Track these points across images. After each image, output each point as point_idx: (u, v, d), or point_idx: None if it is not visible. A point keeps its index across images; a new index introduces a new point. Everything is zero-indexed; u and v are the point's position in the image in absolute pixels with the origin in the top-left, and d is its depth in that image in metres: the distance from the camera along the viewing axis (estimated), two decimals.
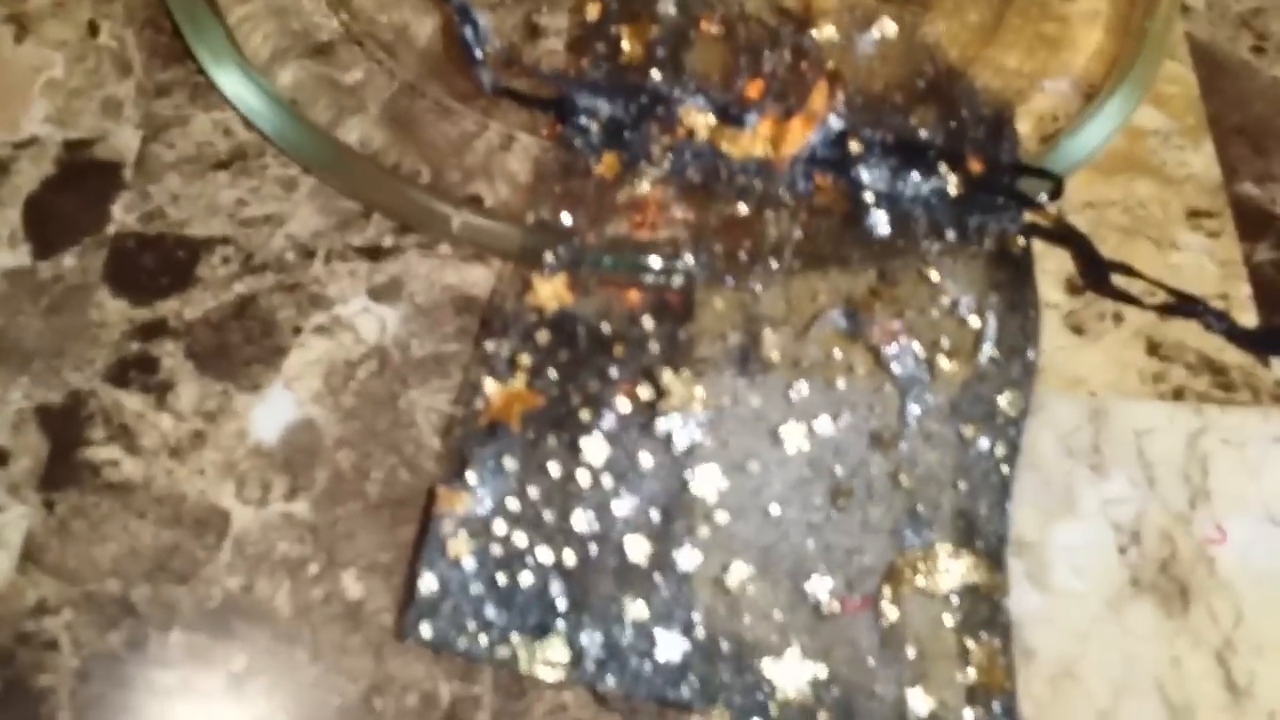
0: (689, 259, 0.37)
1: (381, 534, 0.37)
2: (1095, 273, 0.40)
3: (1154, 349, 0.43)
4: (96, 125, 0.44)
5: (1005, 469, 0.37)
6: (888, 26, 0.39)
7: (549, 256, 0.36)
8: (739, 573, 0.34)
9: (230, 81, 0.43)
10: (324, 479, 0.38)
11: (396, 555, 0.37)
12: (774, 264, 0.37)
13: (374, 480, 0.38)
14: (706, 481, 0.34)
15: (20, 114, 0.45)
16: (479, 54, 0.37)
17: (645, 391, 0.35)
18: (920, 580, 0.35)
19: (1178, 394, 0.42)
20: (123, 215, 0.43)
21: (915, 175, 0.37)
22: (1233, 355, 0.43)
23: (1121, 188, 0.46)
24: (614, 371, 0.35)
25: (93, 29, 0.47)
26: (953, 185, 0.38)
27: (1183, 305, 0.41)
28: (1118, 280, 0.41)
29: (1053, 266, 0.43)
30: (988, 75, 0.47)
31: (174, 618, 0.36)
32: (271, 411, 0.39)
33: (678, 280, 0.37)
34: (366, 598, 0.36)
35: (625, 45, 0.39)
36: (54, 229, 0.42)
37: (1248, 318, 0.43)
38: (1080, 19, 0.50)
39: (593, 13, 0.40)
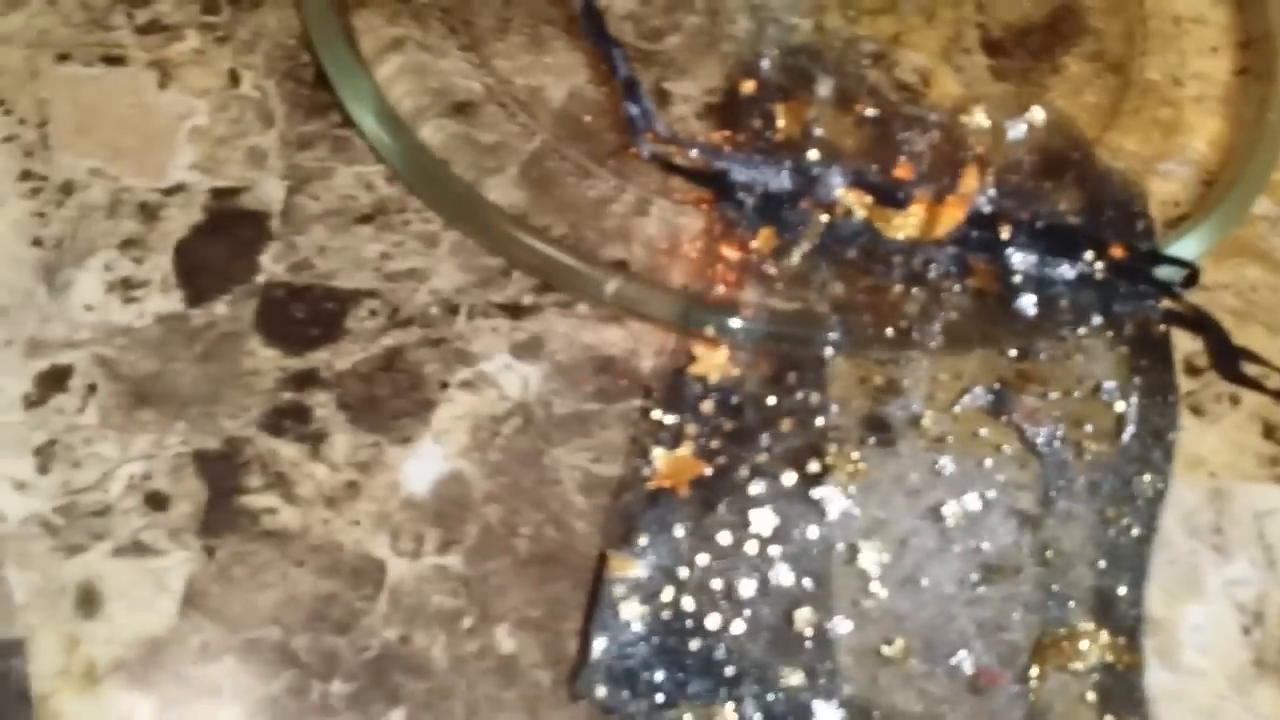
0: (839, 332, 0.38)
1: (531, 590, 0.38)
2: (1226, 360, 0.41)
3: (1269, 432, 0.44)
4: (242, 174, 0.45)
5: (1143, 549, 0.38)
6: (1037, 115, 0.40)
7: (710, 328, 0.37)
8: (895, 646, 0.35)
9: (377, 133, 0.44)
10: (474, 533, 0.39)
11: (547, 611, 0.38)
12: (923, 340, 0.38)
13: (522, 536, 0.39)
14: (868, 555, 0.35)
15: (167, 161, 0.46)
16: (642, 129, 0.38)
17: (811, 465, 0.36)
18: (1062, 658, 0.36)
19: None
20: (272, 265, 0.43)
21: (1062, 260, 0.39)
22: None
23: (1232, 272, 0.47)
24: (778, 443, 0.36)
25: (234, 78, 0.48)
26: (1098, 270, 0.39)
27: None
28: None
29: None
30: (1107, 158, 0.48)
31: (334, 667, 0.36)
32: (422, 464, 0.40)
33: (829, 351, 0.38)
34: (520, 653, 0.37)
35: (781, 122, 0.40)
36: (205, 276, 0.43)
37: None
38: (1191, 104, 0.52)
39: (748, 88, 0.41)
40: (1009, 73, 0.52)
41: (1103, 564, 0.38)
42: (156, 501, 0.38)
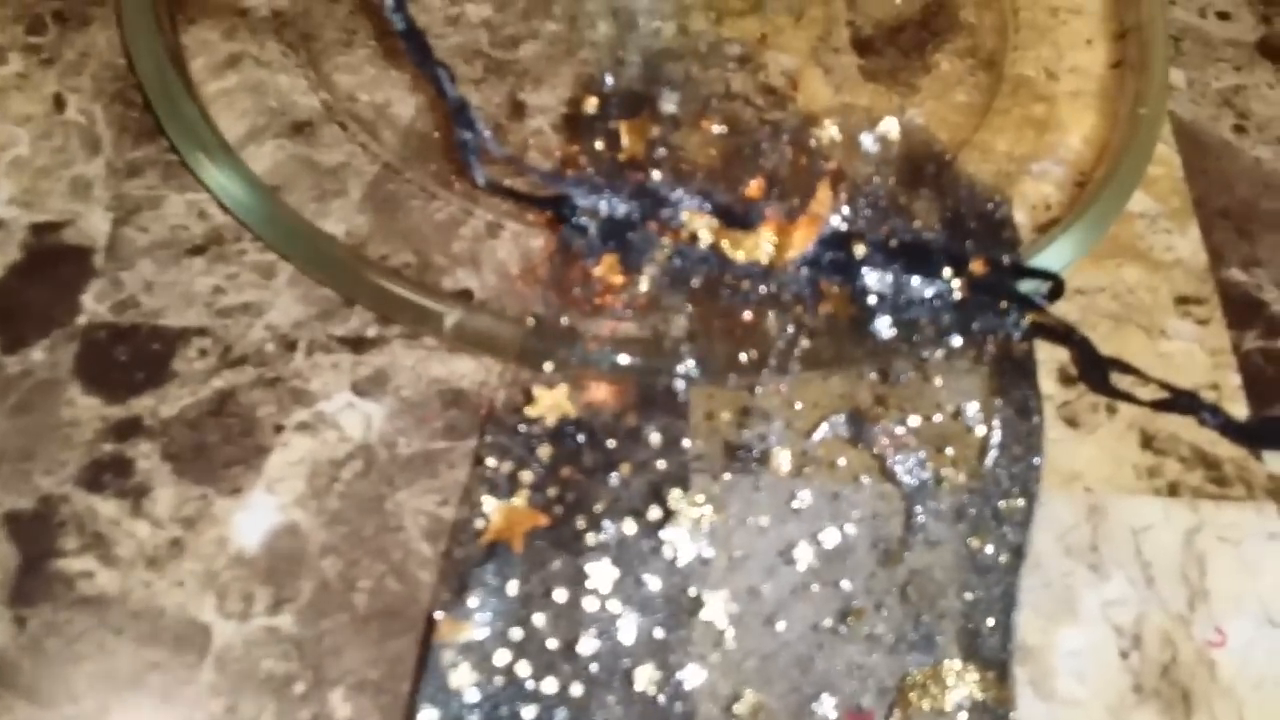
0: (690, 361, 0.36)
1: (370, 649, 0.36)
2: (1095, 373, 0.39)
3: (1148, 442, 0.42)
4: (65, 207, 0.43)
5: (1011, 578, 0.36)
6: (891, 126, 0.38)
7: (548, 365, 0.35)
8: (748, 700, 0.33)
9: (203, 165, 0.42)
10: (309, 590, 0.37)
11: (386, 671, 0.36)
12: (777, 367, 0.36)
13: (361, 590, 0.37)
14: (715, 606, 0.33)
15: None
16: (474, 153, 0.36)
17: (652, 511, 0.34)
18: (927, 698, 0.35)
19: (1173, 489, 0.41)
20: (94, 304, 0.41)
21: (919, 279, 0.37)
22: (1226, 448, 0.42)
23: (1110, 273, 0.46)
24: (619, 488, 0.34)
25: (59, 103, 0.45)
26: (956, 288, 0.37)
27: (1177, 400, 0.41)
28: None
29: (1045, 357, 0.43)
30: (977, 159, 0.47)
31: None
32: (253, 516, 0.38)
33: (679, 383, 0.36)
34: (355, 718, 0.35)
35: (624, 141, 0.38)
36: (21, 320, 0.40)
37: (1238, 408, 0.43)
38: (1066, 99, 0.50)
39: (590, 106, 0.39)
40: (879, 72, 0.50)
41: (969, 595, 0.36)
42: None
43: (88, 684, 0.35)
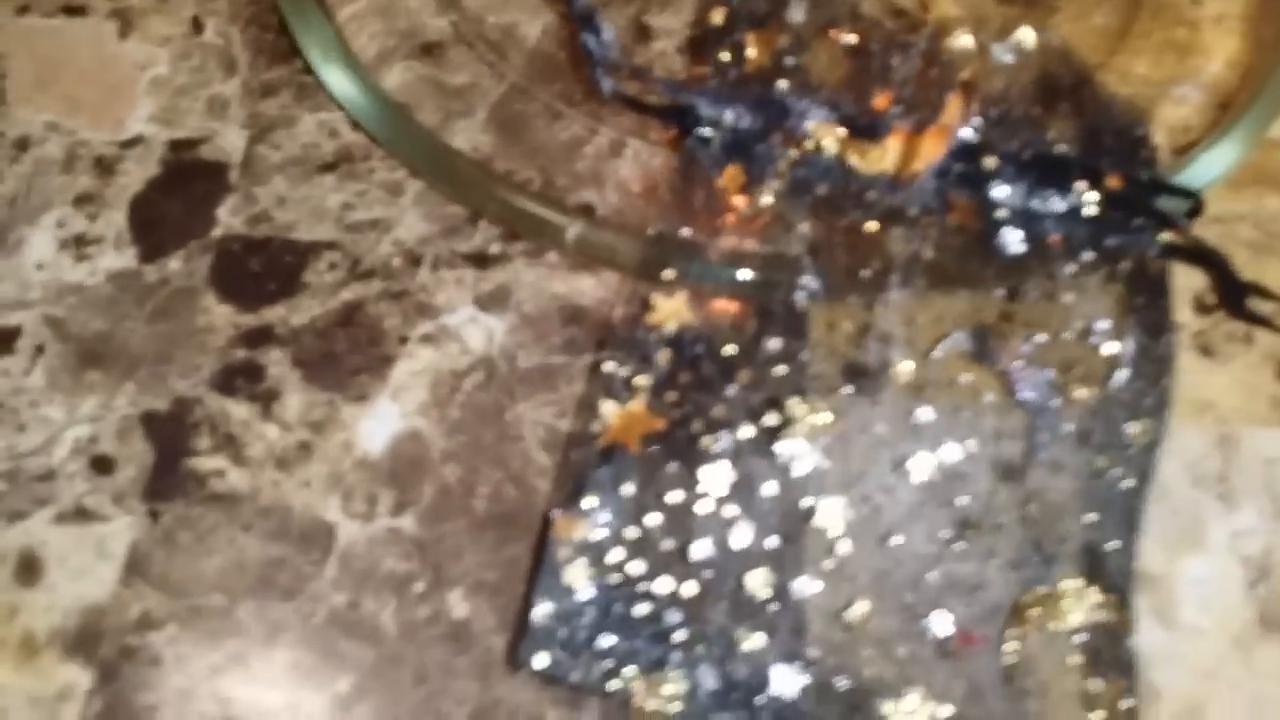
0: (812, 275, 0.36)
1: (488, 552, 0.37)
2: (1233, 296, 0.38)
3: None
4: (202, 125, 0.44)
5: (1135, 502, 0.35)
6: (1026, 35, 0.37)
7: (668, 273, 0.35)
8: (859, 608, 0.33)
9: (338, 81, 0.43)
10: (430, 494, 0.37)
11: (503, 574, 0.36)
12: (900, 281, 0.36)
13: (480, 496, 0.37)
14: (830, 512, 0.33)
15: (125, 113, 0.44)
16: (599, 61, 0.36)
17: (770, 418, 0.34)
18: (1045, 618, 0.34)
19: None
20: (229, 218, 0.42)
21: (1051, 192, 0.36)
22: None
23: (1251, 202, 0.44)
24: (736, 395, 0.34)
25: (197, 25, 0.46)
26: (1090, 203, 0.36)
27: None
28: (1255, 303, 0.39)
29: (1181, 284, 0.41)
30: (1115, 83, 0.45)
31: (279, 635, 0.35)
32: (378, 423, 0.38)
33: (800, 296, 0.36)
34: (473, 618, 0.35)
35: (750, 53, 0.37)
36: (160, 231, 0.42)
37: None
38: (1209, 24, 0.48)
39: (717, 18, 0.38)
40: None
41: (1091, 517, 0.35)
42: (102, 465, 0.37)
43: (217, 576, 0.36)
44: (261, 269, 0.41)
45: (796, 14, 0.38)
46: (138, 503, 0.37)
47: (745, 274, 0.37)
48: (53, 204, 0.42)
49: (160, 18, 0.46)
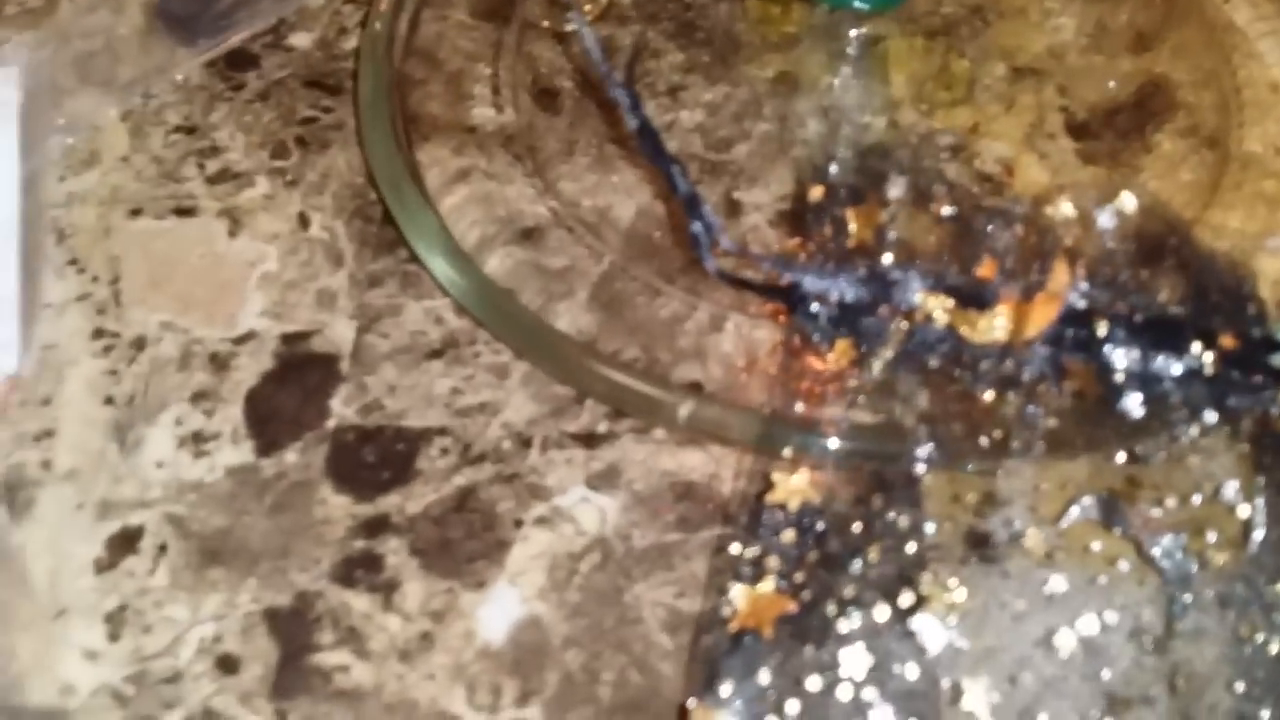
0: (930, 446, 0.36)
1: None
2: None
3: None
4: (312, 318, 0.45)
5: None
6: (1128, 200, 0.37)
7: (787, 451, 0.35)
8: None
9: (441, 269, 0.43)
10: (554, 681, 0.37)
11: None
12: (1021, 448, 0.36)
13: (604, 683, 0.37)
14: (975, 693, 0.32)
15: (237, 309, 0.45)
16: (707, 246, 0.37)
17: (904, 597, 0.33)
18: None
19: None
20: (342, 408, 0.43)
21: (1167, 354, 0.36)
22: None
23: None
24: (869, 572, 0.34)
25: (303, 221, 0.48)
26: (1208, 364, 0.36)
27: None
28: None
29: None
30: (1209, 238, 0.45)
31: None
32: (498, 610, 0.38)
33: (919, 468, 0.36)
34: None
35: (852, 227, 0.38)
36: (275, 424, 0.42)
37: None
38: None
39: (816, 194, 0.39)
40: (1098, 155, 0.50)
41: (1241, 686, 0.34)
42: (227, 665, 0.37)
43: None
44: (376, 458, 0.42)
45: (896, 189, 0.38)
46: (265, 702, 0.36)
47: (862, 444, 0.37)
48: (170, 402, 0.43)
49: (268, 215, 0.48)
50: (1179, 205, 0.47)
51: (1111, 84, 0.51)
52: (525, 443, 0.42)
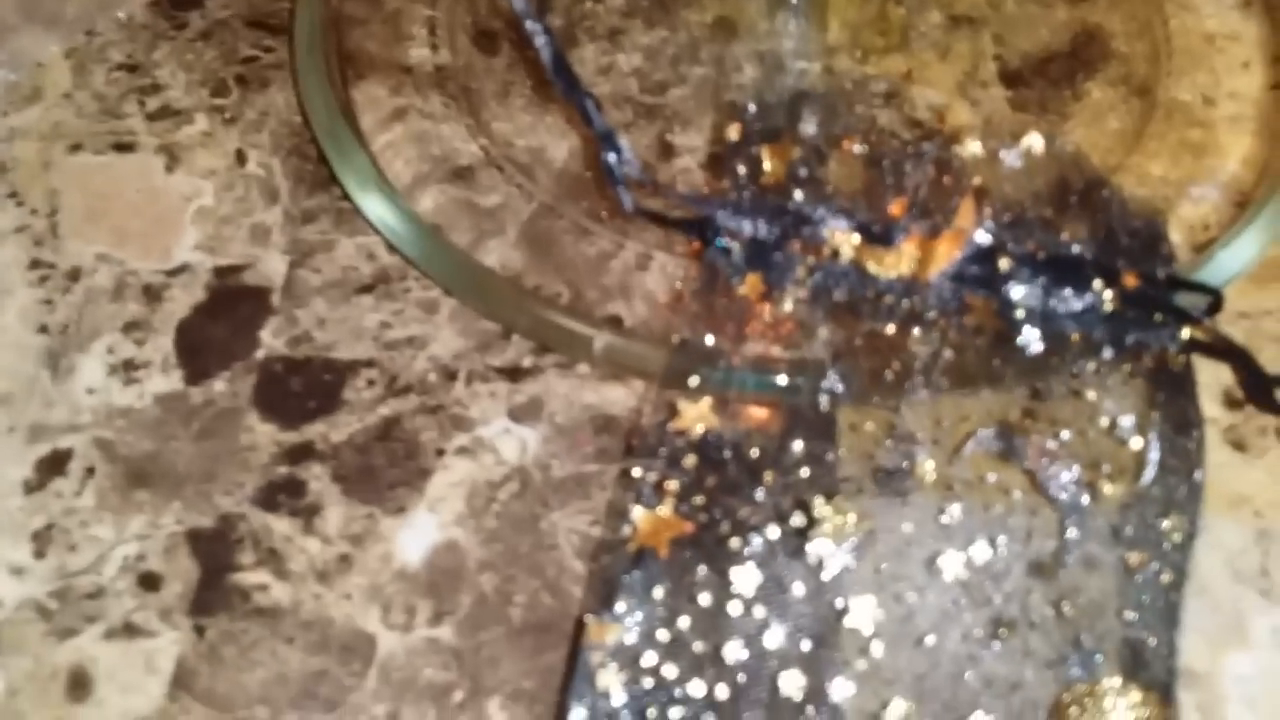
0: (834, 378, 0.37)
1: (525, 660, 0.37)
2: (1259, 389, 0.38)
3: None
4: (245, 252, 0.46)
5: (1174, 598, 0.35)
6: (1035, 141, 0.38)
7: (694, 379, 0.36)
8: (897, 709, 0.33)
9: (374, 206, 0.44)
10: (468, 603, 0.38)
11: (540, 682, 0.37)
12: (923, 382, 0.36)
13: (517, 604, 0.38)
14: (861, 612, 0.33)
15: (172, 242, 0.46)
16: (621, 179, 0.37)
17: (796, 518, 0.34)
18: (1086, 716, 0.34)
19: None
20: (271, 339, 0.43)
21: (1068, 291, 0.37)
22: None
23: (1276, 296, 0.45)
24: (763, 497, 0.35)
25: (240, 158, 0.48)
26: (1108, 301, 0.37)
27: None
28: None
29: (1209, 379, 0.42)
30: (1132, 184, 0.46)
31: None
32: (416, 534, 0.39)
33: (823, 400, 0.37)
34: None
35: (767, 165, 0.39)
36: (205, 354, 0.43)
37: None
38: (1225, 124, 0.49)
39: (734, 133, 0.40)
40: (1028, 103, 0.50)
41: (1129, 614, 0.35)
42: (149, 582, 0.38)
43: (261, 689, 0.36)
44: (302, 388, 0.42)
45: (808, 127, 0.39)
46: (184, 618, 0.37)
47: (770, 379, 0.38)
48: (103, 331, 0.43)
49: (206, 152, 0.49)
50: (1105, 151, 0.48)
51: (1045, 33, 0.52)
52: (451, 376, 0.43)
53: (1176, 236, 0.44)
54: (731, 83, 0.51)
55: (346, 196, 0.46)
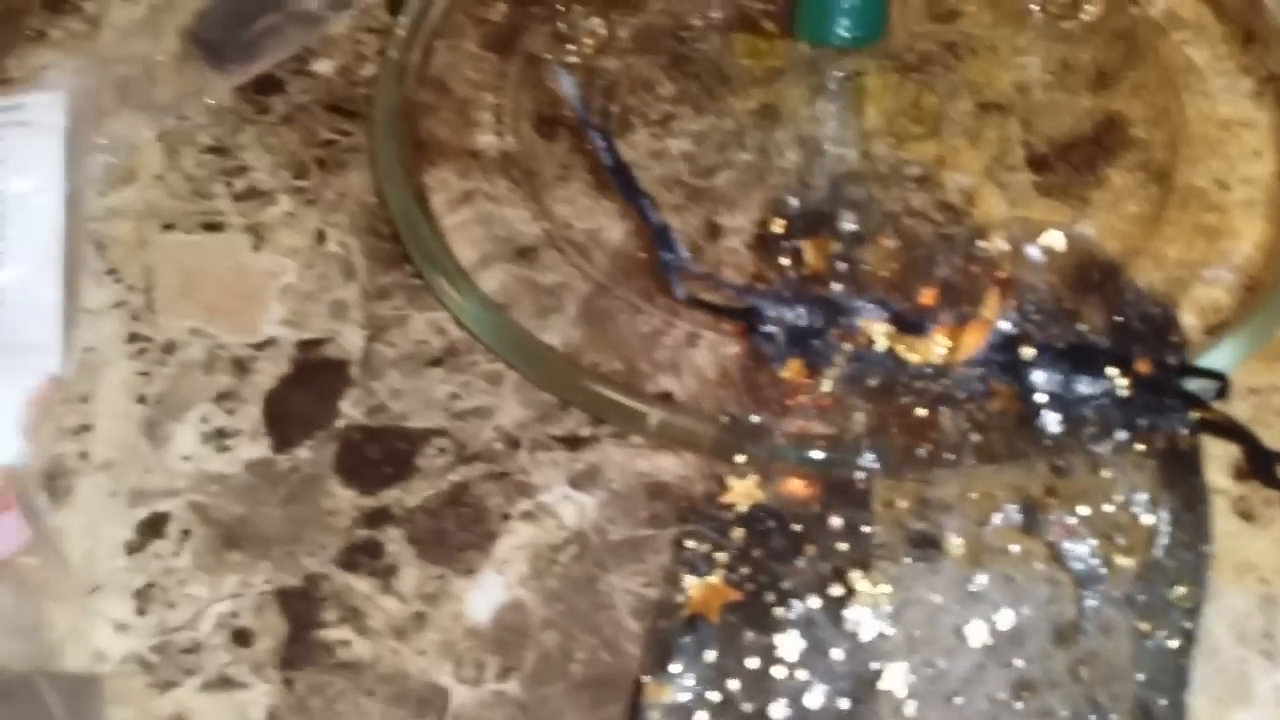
0: (870, 455, 0.40)
1: (585, 713, 0.40)
2: (1262, 465, 0.41)
3: None
4: (326, 326, 0.50)
5: (1182, 661, 0.38)
6: (1055, 239, 0.41)
7: (740, 457, 0.40)
8: None
9: (443, 284, 0.48)
10: (532, 659, 0.41)
11: None
12: (952, 460, 0.40)
13: (577, 661, 0.41)
14: (895, 675, 0.37)
15: (259, 317, 0.50)
16: (674, 271, 0.41)
17: (835, 588, 0.38)
18: None
19: None
20: (350, 409, 0.47)
21: (1085, 378, 0.40)
22: None
23: None
24: (805, 566, 0.38)
25: (320, 237, 0.52)
26: (1122, 387, 0.40)
27: None
28: None
29: (1220, 452, 0.45)
30: (1149, 267, 0.49)
31: None
32: (484, 594, 0.43)
33: (860, 475, 0.40)
34: None
35: (808, 258, 0.42)
36: (290, 423, 0.47)
37: None
38: (1238, 209, 0.53)
39: (777, 227, 0.43)
40: (1053, 188, 0.54)
41: (1142, 677, 0.38)
42: (242, 638, 0.42)
43: None
44: (379, 455, 0.46)
45: (846, 223, 0.43)
46: (274, 671, 0.41)
47: (810, 453, 0.41)
48: (196, 401, 0.47)
49: (289, 231, 0.53)
50: (1124, 236, 0.51)
51: (1069, 120, 0.55)
52: (514, 444, 0.46)
53: (1190, 318, 0.48)
54: (774, 167, 0.54)
55: (419, 274, 0.50)
